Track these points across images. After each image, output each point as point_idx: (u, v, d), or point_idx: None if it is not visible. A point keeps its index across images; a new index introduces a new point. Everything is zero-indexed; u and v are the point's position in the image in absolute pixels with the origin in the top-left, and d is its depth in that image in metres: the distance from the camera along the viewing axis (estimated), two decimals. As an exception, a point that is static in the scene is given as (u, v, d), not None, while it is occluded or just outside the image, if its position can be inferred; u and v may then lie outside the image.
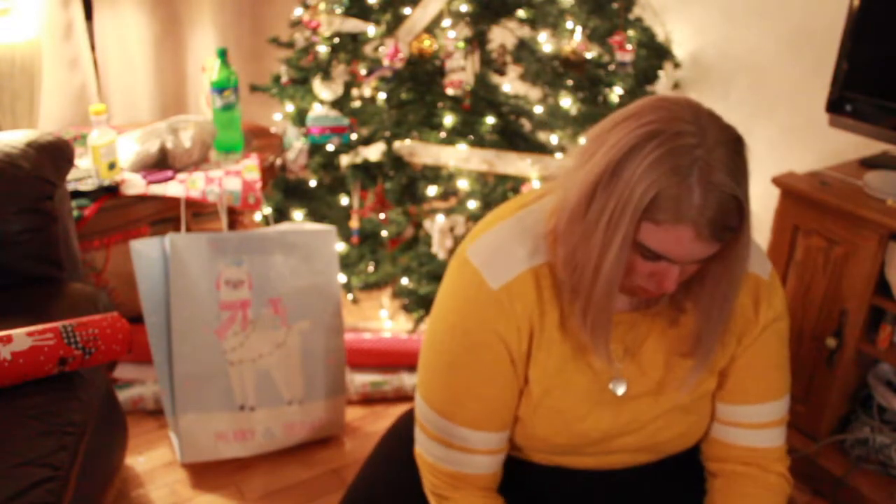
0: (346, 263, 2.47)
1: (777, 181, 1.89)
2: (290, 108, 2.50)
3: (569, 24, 2.29)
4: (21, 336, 1.40)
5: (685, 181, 0.86)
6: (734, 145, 0.90)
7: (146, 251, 1.85)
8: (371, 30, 2.30)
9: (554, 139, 2.34)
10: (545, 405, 1.08)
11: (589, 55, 2.27)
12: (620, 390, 1.09)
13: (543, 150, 2.28)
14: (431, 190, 2.39)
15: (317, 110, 2.37)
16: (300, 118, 2.44)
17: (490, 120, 2.27)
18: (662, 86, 2.46)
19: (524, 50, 2.36)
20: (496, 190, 2.37)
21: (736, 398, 1.13)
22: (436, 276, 2.33)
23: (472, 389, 1.07)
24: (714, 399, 1.14)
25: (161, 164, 2.21)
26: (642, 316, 1.08)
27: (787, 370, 1.15)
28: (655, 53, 2.43)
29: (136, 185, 2.13)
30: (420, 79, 2.29)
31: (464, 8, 2.25)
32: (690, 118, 0.89)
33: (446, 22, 2.26)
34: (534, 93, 2.53)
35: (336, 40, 2.30)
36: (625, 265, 0.94)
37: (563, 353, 1.06)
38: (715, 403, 1.15)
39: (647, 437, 1.12)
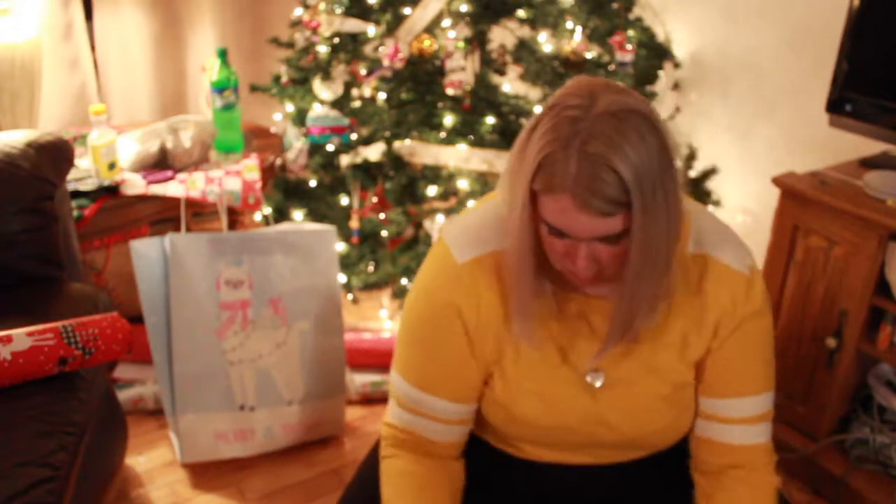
0: (346, 263, 2.47)
1: (777, 181, 1.89)
2: (290, 108, 2.50)
3: (569, 24, 2.29)
4: (21, 336, 1.40)
5: (565, 150, 0.88)
6: (627, 118, 0.88)
7: (146, 251, 1.85)
8: (371, 30, 2.30)
9: (554, 139, 2.34)
10: (524, 388, 1.10)
11: (589, 55, 2.28)
12: (598, 382, 1.09)
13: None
14: (431, 190, 2.38)
15: (317, 110, 2.37)
16: (300, 118, 2.44)
17: (490, 120, 2.27)
18: (662, 86, 2.46)
19: (524, 50, 2.36)
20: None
21: (714, 391, 1.12)
22: (436, 276, 2.33)
23: (429, 355, 1.11)
24: (697, 393, 1.14)
25: (161, 164, 2.21)
26: (600, 305, 1.08)
27: (770, 367, 1.14)
28: (655, 53, 2.43)
29: (136, 185, 2.13)
30: (420, 79, 2.29)
31: (464, 8, 2.25)
32: (584, 92, 0.91)
33: (446, 22, 2.26)
34: (534, 93, 2.53)
35: (336, 40, 2.30)
36: (530, 236, 0.97)
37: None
38: (698, 397, 1.15)
39: (632, 430, 1.12)
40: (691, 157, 2.57)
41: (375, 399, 2.26)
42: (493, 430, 1.19)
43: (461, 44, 2.24)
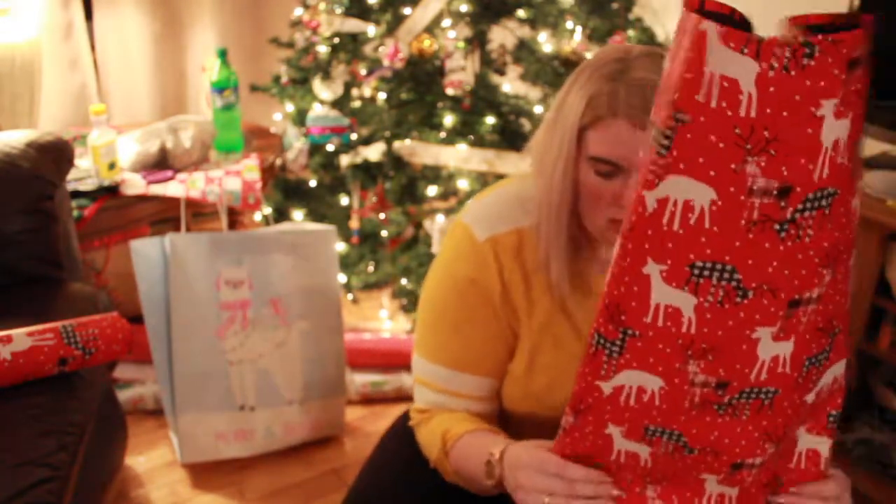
0: (346, 263, 2.47)
1: (777, 181, 1.89)
2: (290, 108, 2.50)
3: (569, 24, 2.29)
4: (21, 336, 1.40)
5: (611, 83, 0.96)
6: (660, 57, 0.97)
7: (146, 251, 1.85)
8: (371, 30, 2.30)
9: (554, 139, 2.34)
10: (538, 363, 1.11)
11: (589, 55, 2.28)
12: None
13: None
14: (431, 190, 2.39)
15: (317, 110, 2.37)
16: (300, 118, 2.44)
17: (490, 120, 2.27)
18: (662, 86, 2.46)
19: (524, 50, 2.36)
20: (496, 190, 2.37)
21: None
22: (436, 276, 2.33)
23: (460, 332, 1.12)
24: None
25: (161, 164, 2.21)
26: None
27: None
28: (655, 53, 2.43)
29: (136, 185, 2.13)
30: (420, 79, 2.29)
31: (464, 8, 2.25)
32: (618, 47, 1.01)
33: (446, 22, 2.26)
34: (534, 93, 2.53)
35: (336, 40, 2.30)
36: (572, 179, 1.00)
37: (549, 311, 1.10)
38: None
39: None
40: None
41: (375, 399, 2.26)
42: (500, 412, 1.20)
43: (461, 44, 2.24)
